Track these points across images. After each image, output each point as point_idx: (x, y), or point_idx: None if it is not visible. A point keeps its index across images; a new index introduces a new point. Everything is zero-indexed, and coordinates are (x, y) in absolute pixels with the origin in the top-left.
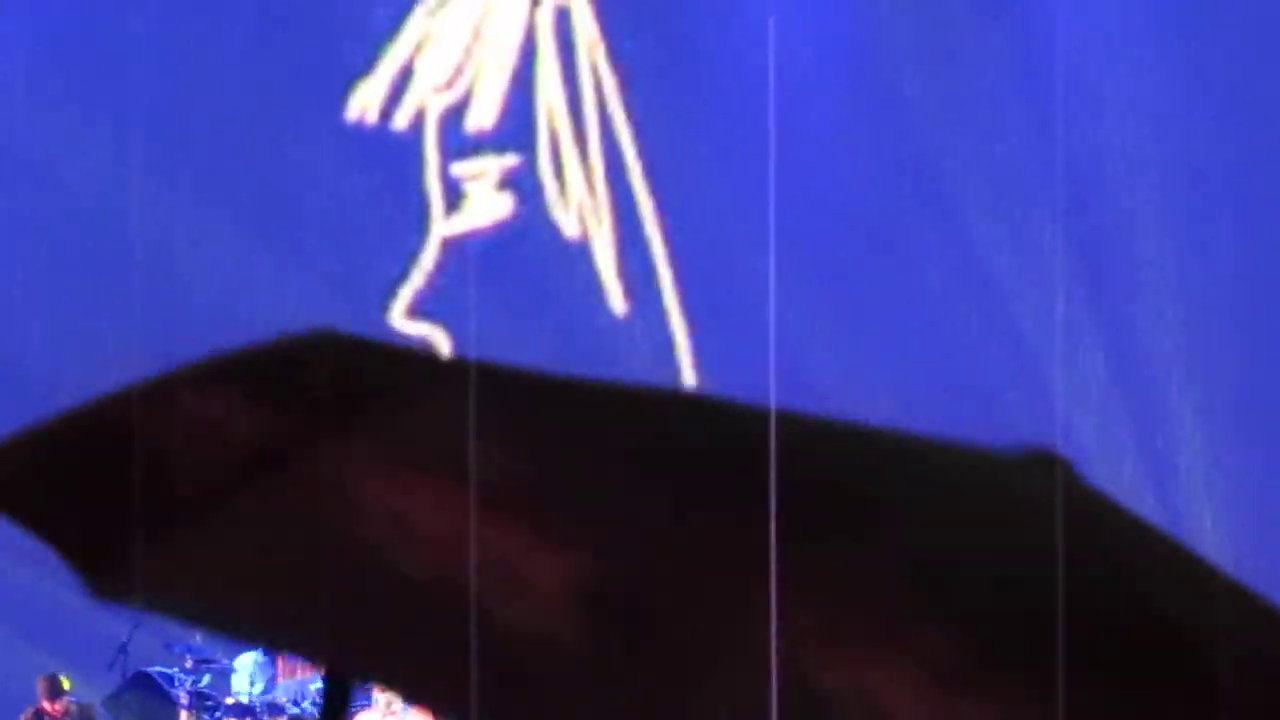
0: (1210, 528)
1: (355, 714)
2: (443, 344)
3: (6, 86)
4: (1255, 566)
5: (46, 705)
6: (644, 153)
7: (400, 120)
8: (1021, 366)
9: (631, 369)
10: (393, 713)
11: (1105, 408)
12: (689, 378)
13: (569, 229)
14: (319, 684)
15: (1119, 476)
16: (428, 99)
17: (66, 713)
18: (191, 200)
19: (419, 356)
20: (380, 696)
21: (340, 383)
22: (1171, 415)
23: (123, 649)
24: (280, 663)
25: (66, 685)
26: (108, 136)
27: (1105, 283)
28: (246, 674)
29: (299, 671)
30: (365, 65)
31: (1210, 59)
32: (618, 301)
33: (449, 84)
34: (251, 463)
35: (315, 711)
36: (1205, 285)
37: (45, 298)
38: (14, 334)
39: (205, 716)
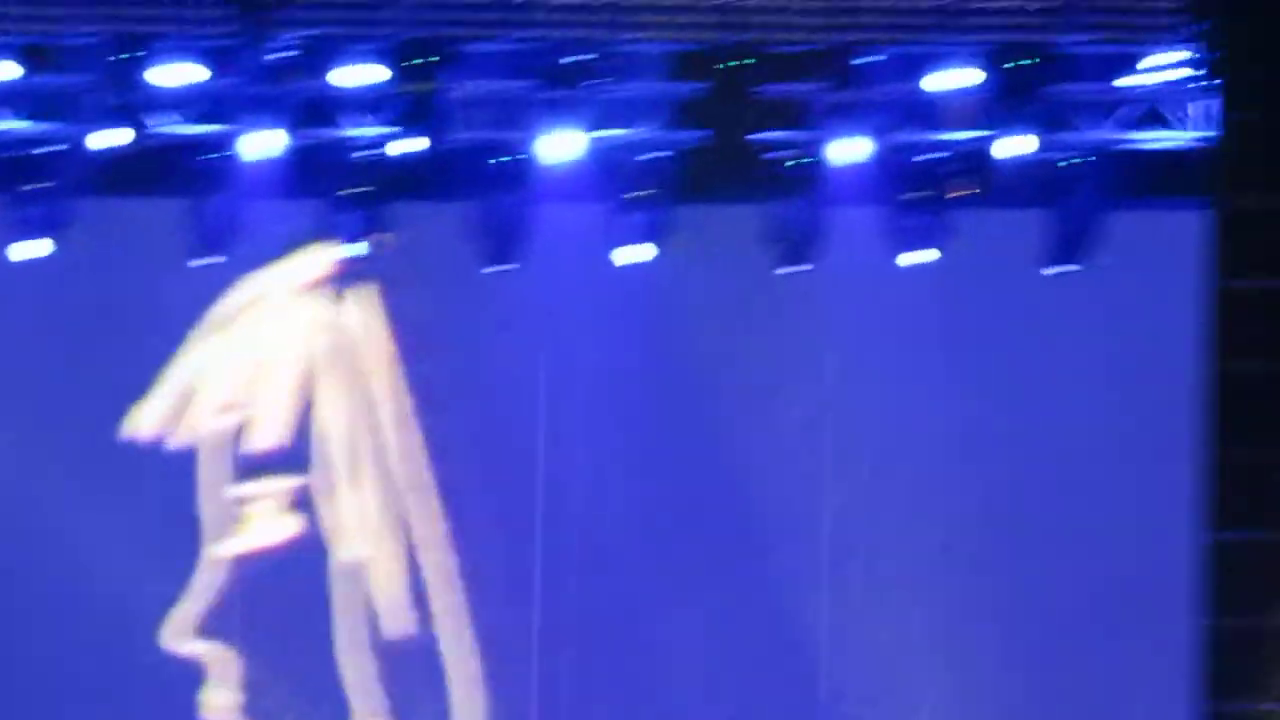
0: None
1: None
2: (226, 663)
3: None
4: None
5: None
6: (428, 477)
7: (178, 438)
8: None
9: (418, 690)
10: None
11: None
12: (476, 698)
13: (353, 551)
14: None
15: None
16: (209, 420)
17: None
18: None
19: None
20: None
21: None
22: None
23: None
24: None
25: None
26: None
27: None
28: None
29: None
30: (145, 384)
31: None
32: (402, 623)
33: (232, 406)
34: None
35: None
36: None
37: None
38: None
39: None
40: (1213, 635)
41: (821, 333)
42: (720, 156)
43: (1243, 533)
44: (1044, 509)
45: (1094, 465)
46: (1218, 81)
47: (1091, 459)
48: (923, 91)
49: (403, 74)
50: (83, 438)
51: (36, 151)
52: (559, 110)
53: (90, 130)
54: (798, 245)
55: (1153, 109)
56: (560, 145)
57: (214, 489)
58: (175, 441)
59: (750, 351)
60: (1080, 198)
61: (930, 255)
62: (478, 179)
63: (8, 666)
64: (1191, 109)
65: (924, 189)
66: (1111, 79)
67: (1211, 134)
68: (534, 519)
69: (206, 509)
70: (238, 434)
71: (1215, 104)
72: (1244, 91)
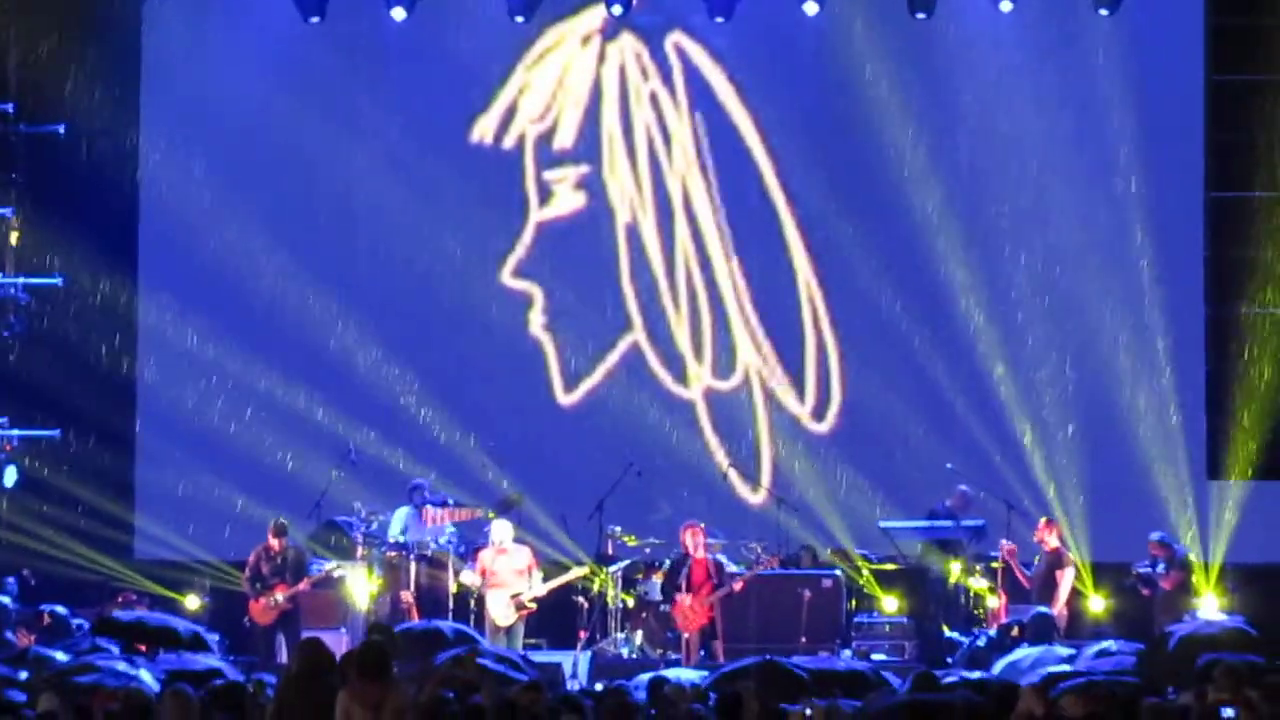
0: None
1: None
2: (537, 297)
3: None
4: None
5: (274, 542)
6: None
7: (508, 141)
8: None
9: (664, 328)
10: (503, 550)
11: None
12: (706, 322)
13: (623, 216)
14: (452, 528)
15: None
16: (526, 127)
17: (285, 549)
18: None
19: None
20: (496, 537)
21: None
22: None
23: (317, 504)
24: (426, 514)
25: (287, 527)
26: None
27: None
28: (400, 522)
29: (439, 520)
30: (483, 104)
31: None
32: (659, 269)
33: (541, 116)
34: None
35: (446, 546)
36: None
37: None
38: None
39: (374, 549)
40: None
41: None
42: None
43: None
44: None
45: None
46: None
47: None
48: None
49: None
50: (438, 142)
51: None
52: None
53: None
54: None
55: None
56: None
57: (531, 173)
58: (505, 142)
59: None
60: None
61: None
62: None
63: None
64: None
65: None
66: None
67: None
68: None
69: (527, 188)
70: (547, 136)
71: None
72: None
